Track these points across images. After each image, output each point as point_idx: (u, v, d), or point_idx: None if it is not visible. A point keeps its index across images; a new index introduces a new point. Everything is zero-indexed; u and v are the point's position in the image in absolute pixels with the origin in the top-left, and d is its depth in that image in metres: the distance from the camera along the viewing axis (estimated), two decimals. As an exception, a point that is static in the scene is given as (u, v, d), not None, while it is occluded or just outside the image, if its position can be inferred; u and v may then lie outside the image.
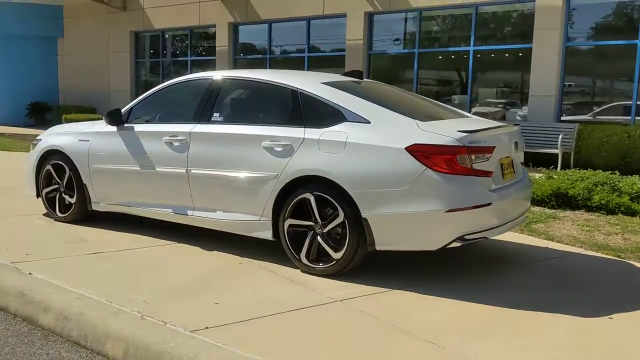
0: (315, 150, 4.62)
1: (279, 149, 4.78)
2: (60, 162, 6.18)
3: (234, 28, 17.62)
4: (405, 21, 15.01)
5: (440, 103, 6.08)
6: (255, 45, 17.69)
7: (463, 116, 5.35)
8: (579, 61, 13.09)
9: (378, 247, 4.45)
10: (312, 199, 4.62)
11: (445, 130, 4.40)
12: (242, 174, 4.96)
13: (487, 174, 4.44)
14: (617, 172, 8.30)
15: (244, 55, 18.02)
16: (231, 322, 3.73)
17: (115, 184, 5.81)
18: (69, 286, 4.30)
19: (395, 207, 4.32)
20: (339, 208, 4.50)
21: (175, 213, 5.46)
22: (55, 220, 6.31)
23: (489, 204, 4.37)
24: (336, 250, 4.56)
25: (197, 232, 5.58)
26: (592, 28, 12.85)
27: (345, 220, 4.48)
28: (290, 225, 4.77)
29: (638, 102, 12.06)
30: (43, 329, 3.99)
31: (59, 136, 6.32)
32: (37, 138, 6.66)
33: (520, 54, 13.30)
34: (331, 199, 4.54)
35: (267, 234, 4.93)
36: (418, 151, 4.27)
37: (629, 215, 7.21)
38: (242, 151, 4.98)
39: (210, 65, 17.81)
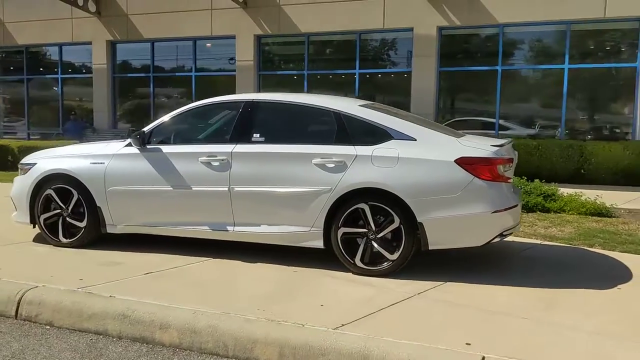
0: (368, 165, 5.24)
1: (332, 165, 5.32)
2: (66, 186, 6.05)
3: (112, 46, 17.14)
4: (295, 44, 15.88)
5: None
6: (137, 64, 17.36)
7: (461, 135, 6.30)
8: (451, 84, 14.94)
9: (431, 247, 5.19)
10: (366, 208, 5.24)
11: (481, 145, 5.30)
12: (293, 189, 5.41)
13: (509, 180, 5.41)
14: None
15: (125, 73, 17.59)
16: (353, 319, 4.20)
17: (139, 205, 5.86)
18: (166, 303, 4.44)
19: (448, 211, 5.10)
20: (394, 215, 5.17)
21: (213, 230, 5.71)
22: (55, 245, 6.15)
23: (516, 205, 5.35)
24: (391, 253, 5.21)
25: (219, 247, 5.93)
26: (462, 55, 14.79)
27: (401, 225, 5.16)
28: (344, 233, 5.33)
29: (500, 121, 14.17)
30: (164, 346, 4.13)
31: (62, 159, 6.16)
32: (24, 163, 6.38)
33: (405, 76, 14.83)
34: (386, 208, 5.19)
35: (318, 243, 5.44)
36: (466, 163, 5.10)
37: (544, 212, 8.74)
38: (292, 168, 5.43)
39: (87, 83, 17.13)
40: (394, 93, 15.30)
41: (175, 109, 6.14)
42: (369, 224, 5.27)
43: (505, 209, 5.19)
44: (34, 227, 6.32)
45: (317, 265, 5.53)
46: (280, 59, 16.21)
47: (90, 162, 6.01)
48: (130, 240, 6.20)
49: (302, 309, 4.41)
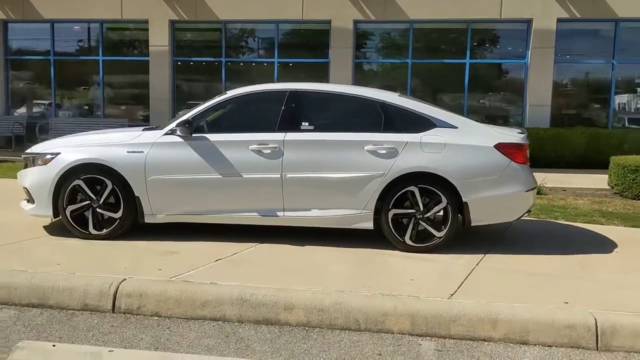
0: (418, 151, 5.74)
1: (383, 152, 5.74)
2: (98, 176, 5.84)
3: (4, 25, 15.69)
4: (213, 31, 15.71)
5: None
6: (35, 46, 16.04)
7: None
8: (364, 76, 15.74)
9: (473, 224, 5.82)
10: (416, 190, 5.74)
11: (511, 132, 6.01)
12: (346, 175, 5.75)
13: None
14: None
15: (19, 56, 16.21)
16: (454, 289, 4.71)
17: (184, 193, 5.84)
18: (265, 284, 4.62)
19: (489, 191, 5.76)
20: (442, 196, 5.73)
21: (263, 216, 5.87)
22: (82, 238, 5.92)
23: (536, 186, 6.15)
24: (439, 230, 5.77)
25: (255, 233, 6.17)
26: (377, 48, 15.65)
27: (448, 205, 5.73)
28: (395, 214, 5.79)
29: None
30: (291, 325, 4.33)
31: (90, 149, 5.91)
32: (41, 153, 6.01)
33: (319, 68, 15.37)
34: (435, 190, 5.73)
35: (369, 224, 5.85)
36: (503, 148, 5.79)
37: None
38: (344, 155, 5.76)
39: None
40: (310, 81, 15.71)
41: (213, 97, 6.16)
42: (417, 204, 5.77)
43: (532, 189, 5.95)
44: (52, 219, 6.01)
45: (364, 245, 5.93)
46: (197, 46, 15.96)
47: (127, 151, 5.84)
48: (147, 230, 6.14)
49: (398, 283, 4.82)
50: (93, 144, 5.98)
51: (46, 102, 16.40)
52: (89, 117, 16.17)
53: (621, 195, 9.90)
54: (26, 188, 6.02)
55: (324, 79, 15.10)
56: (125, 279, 4.65)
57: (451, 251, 5.81)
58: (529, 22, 14.58)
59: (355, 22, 14.86)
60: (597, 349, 4.07)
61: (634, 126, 15.10)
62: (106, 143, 5.95)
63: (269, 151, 5.79)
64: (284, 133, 5.84)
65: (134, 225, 6.06)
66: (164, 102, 15.29)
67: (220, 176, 5.80)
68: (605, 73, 15.05)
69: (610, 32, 14.74)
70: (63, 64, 16.42)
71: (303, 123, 5.90)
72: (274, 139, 5.81)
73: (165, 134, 5.92)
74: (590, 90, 15.55)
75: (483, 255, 5.78)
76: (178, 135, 5.85)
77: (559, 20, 14.43)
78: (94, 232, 5.90)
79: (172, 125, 5.93)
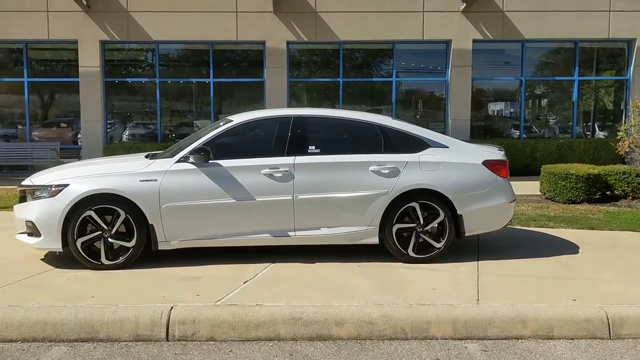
0: (417, 170, 6.25)
1: (386, 171, 6.20)
2: (112, 206, 5.86)
3: None
4: (146, 51, 15.51)
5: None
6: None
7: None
8: (298, 94, 16.16)
9: (467, 234, 6.40)
10: (417, 206, 6.25)
11: (493, 150, 6.67)
12: (354, 194, 6.15)
13: (507, 178, 6.86)
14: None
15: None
16: (475, 295, 5.24)
17: (198, 219, 5.97)
18: (307, 302, 4.92)
19: (480, 204, 6.36)
20: (440, 210, 6.26)
21: (275, 236, 6.13)
22: (93, 269, 5.91)
23: (516, 198, 6.84)
24: (438, 242, 6.30)
25: (265, 253, 6.42)
26: (310, 68, 16.15)
27: (445, 218, 6.28)
28: (398, 229, 6.26)
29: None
30: (343, 339, 4.65)
31: (102, 179, 5.89)
32: (47, 185, 5.92)
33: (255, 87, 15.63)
34: (433, 204, 6.26)
35: (374, 239, 6.27)
36: (490, 164, 6.43)
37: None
38: (351, 175, 6.16)
39: None
40: (247, 101, 15.88)
41: (219, 124, 6.34)
42: (418, 219, 6.26)
43: (514, 200, 6.63)
44: (58, 252, 5.93)
45: (367, 259, 6.35)
46: (129, 66, 15.68)
47: (140, 180, 5.89)
48: (154, 257, 6.22)
49: (424, 293, 5.26)
50: (103, 173, 5.97)
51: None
52: (15, 141, 15.38)
53: (553, 200, 10.96)
54: (30, 221, 5.89)
55: (260, 98, 15.38)
56: (173, 307, 4.76)
57: (446, 260, 6.34)
58: (448, 42, 15.63)
59: (288, 42, 15.27)
60: (610, 338, 4.72)
61: (544, 137, 16.57)
62: (118, 172, 5.96)
63: (280, 174, 6.06)
64: (294, 157, 6.14)
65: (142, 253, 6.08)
66: (96, 123, 14.91)
67: (234, 200, 5.99)
68: (516, 88, 16.42)
69: (519, 51, 16.11)
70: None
71: (310, 147, 6.23)
72: (285, 163, 6.09)
73: (178, 161, 6.02)
74: (504, 105, 16.91)
75: (476, 262, 6.36)
76: (192, 163, 5.98)
77: (475, 41, 15.59)
78: (106, 262, 5.89)
79: (184, 152, 6.05)
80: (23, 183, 6.23)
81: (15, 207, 6.22)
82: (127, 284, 5.49)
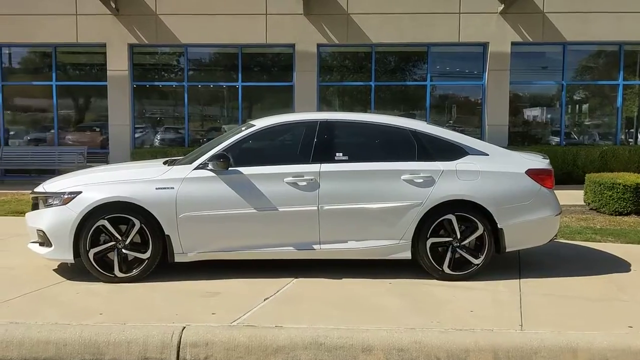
0: (454, 179, 5.75)
1: (420, 180, 5.72)
2: (125, 215, 5.51)
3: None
4: (174, 55, 15.33)
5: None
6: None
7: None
8: (329, 98, 15.76)
9: (508, 249, 5.87)
10: (453, 218, 5.75)
11: (536, 158, 6.13)
12: (384, 205, 5.68)
13: (552, 189, 6.30)
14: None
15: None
16: (518, 320, 4.72)
17: (217, 230, 5.60)
18: (332, 325, 4.47)
19: (523, 217, 5.84)
20: (479, 223, 5.75)
21: (298, 249, 5.70)
22: (106, 282, 5.56)
23: (562, 210, 6.28)
24: (476, 257, 5.79)
25: (288, 266, 5.99)
26: (341, 72, 15.74)
27: (484, 232, 5.76)
28: (433, 243, 5.77)
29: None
30: (373, 365, 4.21)
31: (116, 186, 5.55)
32: (59, 192, 5.60)
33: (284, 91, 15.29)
34: (471, 217, 5.75)
35: (406, 254, 5.79)
36: (534, 174, 5.89)
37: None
38: (381, 185, 5.70)
39: None
40: (276, 105, 15.55)
41: (241, 129, 5.96)
42: (454, 232, 5.76)
43: (560, 213, 6.08)
44: (70, 264, 5.63)
45: (398, 275, 5.88)
46: (158, 70, 15.49)
47: (157, 188, 5.54)
48: (170, 269, 5.85)
49: (461, 316, 4.78)
50: (118, 180, 5.63)
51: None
52: (43, 146, 15.31)
53: (598, 212, 10.30)
54: (41, 230, 5.58)
55: (289, 102, 15.02)
56: (185, 327, 4.37)
57: (484, 277, 5.82)
58: (485, 45, 15.05)
59: (319, 45, 14.89)
60: (672, 372, 4.16)
61: (584, 144, 15.81)
62: (132, 179, 5.62)
63: (305, 183, 5.64)
64: (319, 164, 5.71)
65: (158, 265, 5.73)
66: (124, 127, 14.74)
67: (255, 210, 5.59)
68: (556, 93, 15.73)
69: (560, 54, 15.42)
70: (13, 88, 15.54)
71: (337, 153, 5.79)
72: (310, 171, 5.67)
73: (196, 168, 5.66)
74: (543, 110, 16.21)
75: (517, 280, 5.83)
76: (210, 170, 5.61)
77: (513, 44, 14.96)
78: (120, 274, 5.54)
79: (203, 159, 5.68)
80: (36, 190, 5.93)
81: (27, 214, 5.93)
82: (139, 299, 5.13)
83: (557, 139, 15.81)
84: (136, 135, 15.29)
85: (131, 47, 14.86)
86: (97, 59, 15.24)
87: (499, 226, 5.76)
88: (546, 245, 6.53)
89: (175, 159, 6.33)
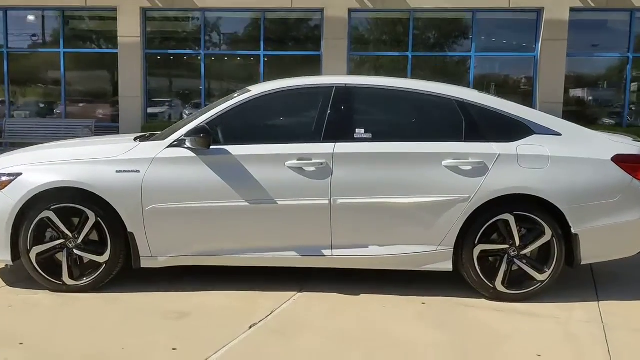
0: (515, 167, 4.28)
1: (468, 168, 4.26)
2: (77, 206, 4.21)
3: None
4: (191, 20, 14.04)
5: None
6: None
7: None
8: (361, 70, 14.27)
9: (583, 262, 4.39)
10: (511, 219, 4.28)
11: (626, 140, 4.61)
12: (416, 200, 4.25)
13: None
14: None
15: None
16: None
17: (195, 228, 4.26)
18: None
19: (606, 219, 4.33)
20: (546, 226, 4.28)
21: (303, 256, 4.33)
22: (54, 290, 4.30)
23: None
24: (540, 272, 4.32)
25: (291, 273, 4.63)
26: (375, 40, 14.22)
27: (553, 239, 4.29)
28: (482, 252, 4.32)
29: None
30: None
31: (64, 167, 4.25)
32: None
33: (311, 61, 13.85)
34: (536, 218, 4.28)
35: (446, 265, 4.37)
36: (623, 162, 4.37)
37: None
38: (415, 173, 4.27)
39: None
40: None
41: (233, 96, 4.58)
42: (512, 238, 4.30)
43: (656, 214, 4.53)
44: (9, 266, 4.37)
45: (433, 291, 4.47)
46: (172, 37, 14.23)
47: (117, 171, 4.21)
48: (140, 275, 4.53)
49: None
50: (69, 160, 4.32)
51: (-4, 100, 14.45)
52: (49, 118, 14.24)
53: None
54: (-29, 222, 4.32)
55: (316, 73, 13.54)
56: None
57: (549, 299, 4.36)
58: (539, 11, 13.33)
59: (351, 10, 13.38)
60: None
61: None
62: (86, 159, 4.30)
63: (313, 168, 4.23)
64: (333, 143, 4.29)
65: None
66: (135, 99, 13.51)
67: (246, 203, 4.22)
68: (619, 66, 13.92)
69: (626, 23, 13.57)
70: (18, 57, 14.48)
71: (357, 130, 4.36)
72: (320, 152, 4.26)
73: (170, 145, 4.31)
74: (604, 86, 14.41)
75: (596, 303, 4.35)
76: (188, 148, 4.24)
77: (572, 10, 13.18)
78: (70, 282, 4.27)
79: (179, 134, 4.33)
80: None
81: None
82: (85, 319, 3.85)
83: (618, 119, 14.00)
84: (149, 109, 14.06)
85: (144, 11, 13.57)
86: (107, 25, 13.98)
87: (573, 231, 4.27)
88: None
89: (152, 134, 4.98)
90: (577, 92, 14.45)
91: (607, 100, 14.45)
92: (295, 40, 14.30)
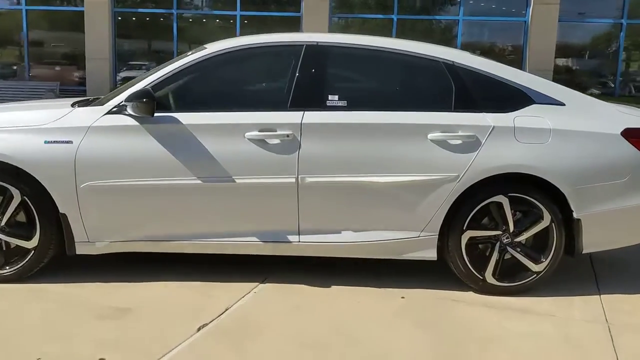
0: (511, 141, 3.72)
1: (457, 142, 3.69)
2: (1, 183, 3.59)
3: None
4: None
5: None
6: None
7: None
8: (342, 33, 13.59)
9: (585, 250, 3.86)
10: (505, 202, 3.73)
11: (635, 112, 4.06)
12: (397, 178, 3.68)
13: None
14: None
15: None
16: None
17: (138, 208, 3.66)
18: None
19: (612, 202, 3.80)
20: (544, 209, 3.73)
21: (265, 242, 3.76)
22: (-24, 282, 3.68)
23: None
24: (536, 261, 3.79)
25: (253, 261, 4.01)
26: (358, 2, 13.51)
27: (552, 224, 3.75)
28: (471, 238, 3.77)
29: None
30: None
31: (-16, 136, 3.61)
32: None
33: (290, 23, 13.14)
34: (533, 200, 3.74)
35: (430, 253, 3.82)
36: (633, 136, 3.82)
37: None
38: (396, 147, 3.69)
39: None
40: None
41: (187, 55, 3.92)
42: (505, 223, 3.76)
43: (668, 197, 4.00)
44: None
45: (413, 282, 3.93)
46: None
47: (46, 141, 3.58)
48: (78, 262, 3.92)
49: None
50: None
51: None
52: (11, 80, 13.42)
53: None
54: None
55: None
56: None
57: (544, 291, 3.84)
58: (531, -26, 12.69)
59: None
60: None
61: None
62: (9, 127, 3.67)
63: (277, 141, 3.63)
64: (301, 112, 3.69)
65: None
66: (103, 62, 12.75)
67: (198, 181, 3.62)
68: (611, 33, 13.38)
69: (621, -13, 13.02)
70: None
71: (330, 97, 3.75)
72: (286, 122, 3.65)
73: (109, 112, 3.67)
74: (596, 54, 13.88)
75: (597, 296, 3.85)
76: (129, 115, 3.61)
77: (565, -27, 12.57)
78: (-8, 271, 3.66)
79: (120, 98, 3.69)
80: None
81: None
82: (2, 316, 3.24)
83: (609, 89, 13.49)
84: (121, 73, 13.29)
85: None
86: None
87: (575, 215, 3.74)
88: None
89: (96, 98, 4.31)
90: (567, 61, 13.90)
91: (596, 68, 13.92)
92: (274, 0, 13.59)
